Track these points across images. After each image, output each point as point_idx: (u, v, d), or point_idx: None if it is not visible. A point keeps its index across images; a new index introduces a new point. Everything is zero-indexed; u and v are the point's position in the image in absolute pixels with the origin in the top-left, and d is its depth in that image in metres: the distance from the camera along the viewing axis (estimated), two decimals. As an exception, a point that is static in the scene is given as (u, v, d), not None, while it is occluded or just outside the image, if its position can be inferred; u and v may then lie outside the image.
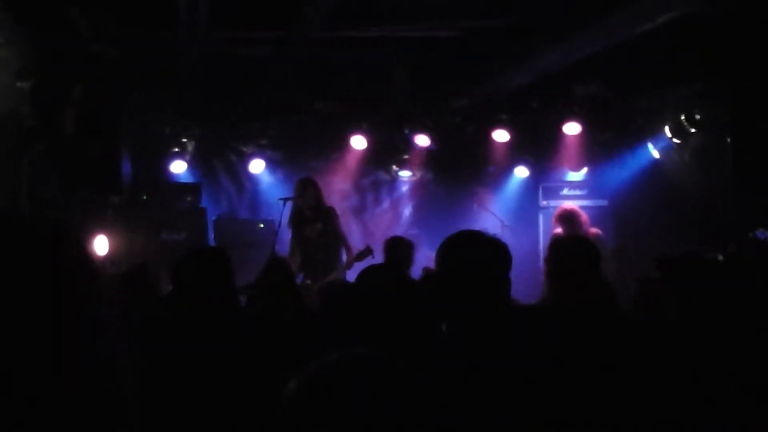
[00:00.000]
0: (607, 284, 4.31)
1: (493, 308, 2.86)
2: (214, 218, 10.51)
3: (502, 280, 2.94)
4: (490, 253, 2.93)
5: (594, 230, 8.45)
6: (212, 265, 4.04)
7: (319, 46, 8.68)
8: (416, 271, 7.53)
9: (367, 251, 8.08)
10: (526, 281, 7.73)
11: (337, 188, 11.15)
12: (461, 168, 11.44)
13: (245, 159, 11.14)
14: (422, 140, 10.81)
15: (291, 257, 8.49)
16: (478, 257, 2.92)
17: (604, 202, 10.56)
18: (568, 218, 8.37)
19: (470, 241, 3.00)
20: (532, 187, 11.11)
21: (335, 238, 8.47)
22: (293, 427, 1.47)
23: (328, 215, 8.49)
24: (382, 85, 10.11)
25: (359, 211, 11.79)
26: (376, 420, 1.44)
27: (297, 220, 8.50)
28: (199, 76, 9.57)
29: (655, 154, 10.35)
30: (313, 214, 8.45)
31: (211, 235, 10.25)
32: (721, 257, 5.69)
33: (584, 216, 8.51)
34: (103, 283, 1.37)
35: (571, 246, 4.19)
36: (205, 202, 10.46)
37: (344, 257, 8.42)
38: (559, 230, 8.45)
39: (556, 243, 4.27)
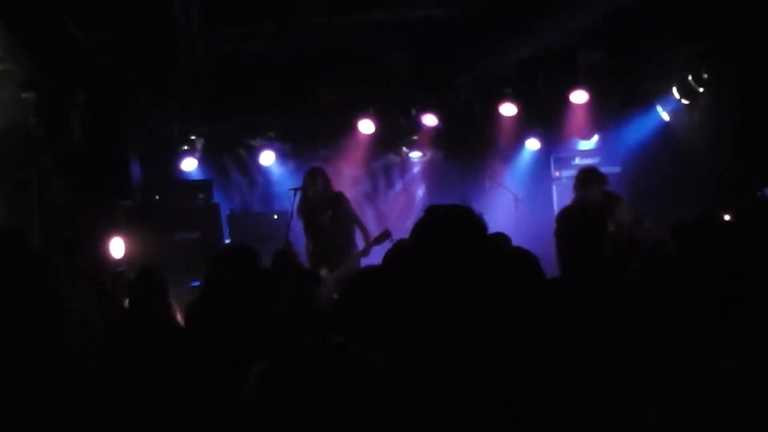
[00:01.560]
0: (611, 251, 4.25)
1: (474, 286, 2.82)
2: (227, 214, 10.53)
3: (477, 254, 2.89)
4: (462, 229, 2.89)
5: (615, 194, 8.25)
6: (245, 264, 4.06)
7: (319, 35, 8.67)
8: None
9: (385, 234, 8.00)
10: (543, 254, 7.69)
11: (349, 175, 11.14)
12: (471, 145, 11.39)
13: (254, 152, 11.15)
14: (430, 120, 10.77)
15: (307, 246, 8.50)
16: (449, 237, 2.87)
17: (617, 169, 10.48)
18: (582, 179, 8.10)
19: (440, 221, 2.96)
20: (543, 158, 11.06)
21: (348, 223, 8.43)
22: (257, 410, 1.47)
23: (338, 201, 8.46)
24: (385, 68, 10.08)
25: (372, 196, 11.78)
26: (337, 408, 1.44)
27: (306, 209, 8.48)
28: (203, 74, 9.58)
29: (665, 117, 10.28)
30: (322, 202, 8.43)
31: (226, 231, 10.27)
32: (730, 216, 5.63)
33: (604, 175, 8.21)
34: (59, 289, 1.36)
35: (571, 217, 4.15)
36: (217, 198, 10.47)
37: (359, 243, 8.40)
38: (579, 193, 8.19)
39: (558, 216, 4.21)
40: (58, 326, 1.29)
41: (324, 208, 8.42)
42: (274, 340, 3.58)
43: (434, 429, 2.33)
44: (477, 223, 2.91)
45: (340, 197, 8.51)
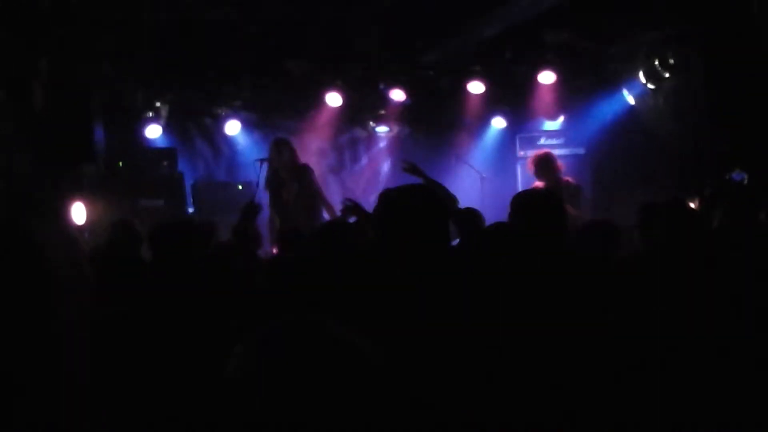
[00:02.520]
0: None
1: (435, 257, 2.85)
2: (191, 183, 10.46)
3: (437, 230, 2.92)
4: (420, 206, 2.92)
5: (568, 178, 8.43)
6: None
7: (287, 4, 8.60)
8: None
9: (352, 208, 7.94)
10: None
11: (315, 147, 11.12)
12: (438, 121, 11.42)
13: (220, 121, 11.08)
14: (397, 95, 10.75)
15: (270, 223, 8.44)
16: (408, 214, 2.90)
17: (581, 150, 10.60)
18: (542, 163, 8.34)
19: (399, 198, 2.98)
20: (509, 138, 11.13)
21: (313, 196, 8.38)
22: (237, 390, 1.49)
23: (304, 174, 8.41)
24: (352, 40, 10.03)
25: (337, 169, 11.78)
26: (317, 386, 1.46)
27: (274, 182, 8.43)
28: (168, 41, 9.45)
29: (631, 100, 10.37)
30: (289, 175, 8.38)
31: (190, 200, 10.20)
32: (696, 201, 5.72)
33: (559, 163, 8.47)
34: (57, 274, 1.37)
35: (527, 198, 4.16)
36: (182, 167, 10.39)
37: (325, 217, 8.37)
38: (536, 178, 8.44)
39: (514, 199, 4.22)
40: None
41: (290, 181, 8.38)
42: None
43: (416, 406, 2.36)
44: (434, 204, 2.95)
45: (306, 169, 8.46)
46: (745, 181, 7.30)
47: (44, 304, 1.29)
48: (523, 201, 3.98)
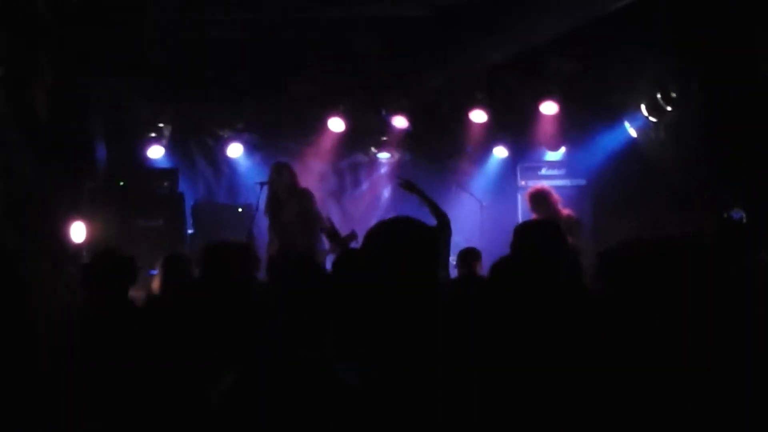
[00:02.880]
0: (575, 266, 4.28)
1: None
2: (192, 203, 10.45)
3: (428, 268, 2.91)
4: (410, 245, 2.91)
5: (567, 211, 8.45)
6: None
7: (292, 28, 8.64)
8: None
9: (352, 236, 7.92)
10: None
11: (316, 170, 11.12)
12: (439, 149, 11.43)
13: (222, 143, 11.10)
14: (400, 122, 10.78)
15: (270, 245, 8.40)
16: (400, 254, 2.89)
17: (582, 182, 10.59)
18: (538, 198, 8.40)
19: (389, 237, 2.97)
20: (510, 167, 11.12)
21: (312, 219, 8.36)
22: (226, 422, 1.48)
23: (304, 196, 8.39)
24: (357, 65, 10.07)
25: (338, 193, 11.77)
26: (304, 421, 1.45)
27: (273, 205, 8.41)
28: (173, 60, 9.49)
29: (632, 133, 10.37)
30: (288, 197, 8.37)
31: (190, 221, 10.19)
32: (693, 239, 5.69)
33: (556, 196, 8.52)
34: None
35: (531, 231, 4.18)
36: (182, 187, 10.39)
37: (324, 242, 8.35)
38: (532, 212, 8.46)
39: (517, 229, 4.24)
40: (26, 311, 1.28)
41: (289, 203, 8.36)
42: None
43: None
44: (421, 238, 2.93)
45: (306, 193, 8.45)
46: (744, 220, 7.29)
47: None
48: (524, 231, 3.99)
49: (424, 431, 2.41)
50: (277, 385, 1.52)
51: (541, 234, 4.07)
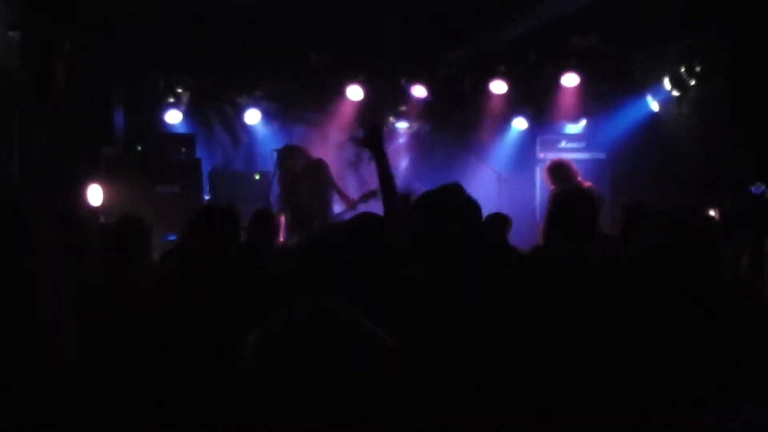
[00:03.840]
0: (606, 238, 4.27)
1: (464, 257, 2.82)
2: (208, 170, 10.45)
3: (470, 237, 2.89)
4: (457, 213, 2.89)
5: (587, 183, 8.37)
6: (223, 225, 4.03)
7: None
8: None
9: (372, 193, 7.86)
10: (522, 233, 7.72)
11: (333, 140, 11.07)
12: (458, 120, 11.36)
13: (240, 110, 11.07)
14: (419, 91, 10.72)
15: (282, 213, 8.36)
16: (446, 217, 2.87)
17: (602, 155, 10.50)
18: (557, 170, 8.30)
19: (440, 200, 2.95)
20: (529, 139, 11.05)
21: (327, 189, 8.34)
22: (254, 375, 1.46)
23: (318, 169, 8.37)
24: (377, 35, 10.01)
25: (355, 163, 11.71)
26: (334, 372, 1.43)
27: (283, 180, 8.38)
28: (192, 27, 9.46)
29: (654, 107, 10.27)
30: (298, 172, 8.34)
31: (206, 187, 10.19)
32: (717, 212, 5.64)
33: (574, 168, 8.43)
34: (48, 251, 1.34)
35: (571, 200, 4.13)
36: (200, 154, 10.37)
37: (336, 209, 8.33)
38: (551, 185, 8.38)
39: (556, 198, 4.21)
40: (33, 272, 1.27)
41: (305, 176, 8.33)
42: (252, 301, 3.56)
43: (429, 397, 2.34)
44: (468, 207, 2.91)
45: (320, 164, 8.42)
46: (766, 195, 7.20)
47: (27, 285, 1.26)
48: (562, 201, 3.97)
49: (454, 393, 2.40)
50: (304, 335, 1.49)
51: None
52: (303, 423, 1.44)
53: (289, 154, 8.42)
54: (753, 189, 6.91)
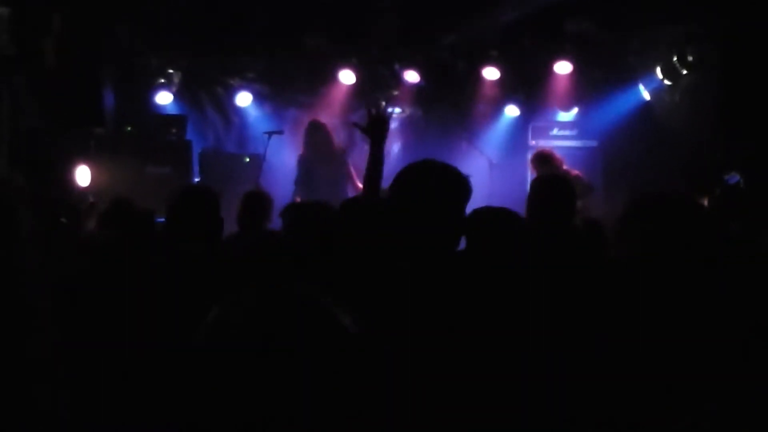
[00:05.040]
0: (592, 223, 4.28)
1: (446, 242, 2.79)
2: (199, 151, 10.41)
3: (456, 213, 2.86)
4: (445, 184, 2.86)
5: (575, 172, 8.42)
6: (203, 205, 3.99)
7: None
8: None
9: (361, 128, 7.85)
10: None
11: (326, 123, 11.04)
12: (451, 105, 11.33)
13: (232, 92, 11.02)
14: (411, 76, 10.69)
15: (296, 194, 8.33)
16: (432, 189, 2.84)
17: (593, 143, 10.51)
18: (542, 160, 8.38)
19: (426, 172, 2.92)
20: (521, 126, 11.04)
21: (345, 177, 8.38)
22: (209, 357, 1.44)
23: (342, 155, 8.43)
24: (370, 19, 9.96)
25: (347, 147, 11.69)
26: (291, 357, 1.41)
27: (309, 160, 8.38)
28: (185, 8, 9.40)
29: (646, 96, 10.27)
30: (326, 155, 8.36)
31: (197, 169, 10.15)
32: (706, 200, 5.64)
33: (559, 157, 8.49)
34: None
35: (546, 185, 4.18)
36: (191, 135, 10.33)
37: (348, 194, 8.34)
38: (536, 173, 8.45)
39: (533, 184, 4.29)
40: (15, 253, 1.25)
41: (329, 161, 8.35)
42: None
43: (393, 384, 2.31)
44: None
45: (344, 150, 8.49)
46: (741, 184, 7.22)
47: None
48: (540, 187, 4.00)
49: (416, 386, 2.38)
50: (265, 316, 1.47)
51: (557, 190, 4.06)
52: (253, 404, 1.43)
53: (316, 129, 8.42)
54: (728, 178, 6.92)
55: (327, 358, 1.44)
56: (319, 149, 8.38)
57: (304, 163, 8.41)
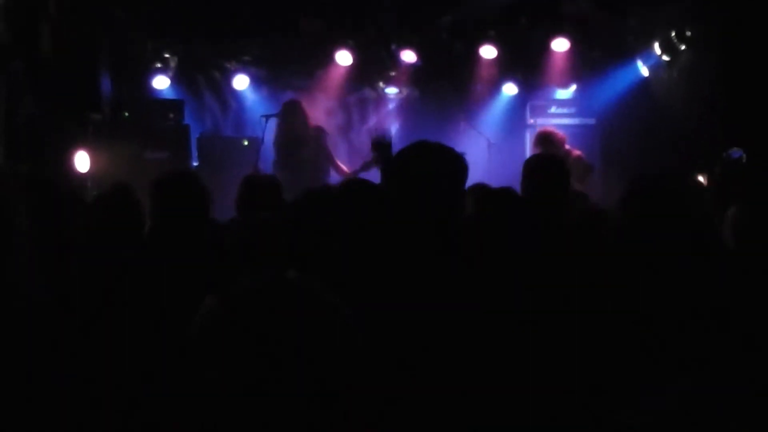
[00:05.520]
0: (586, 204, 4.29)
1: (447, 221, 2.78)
2: (197, 136, 10.39)
3: (456, 192, 2.86)
4: (442, 164, 2.85)
5: (576, 152, 8.41)
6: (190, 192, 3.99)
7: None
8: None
9: (367, 165, 7.75)
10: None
11: (323, 106, 11.02)
12: (448, 85, 11.31)
13: (229, 76, 10.99)
14: (409, 56, 10.65)
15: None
16: (431, 170, 2.83)
17: (591, 121, 10.50)
18: (544, 140, 8.35)
19: (422, 153, 2.92)
20: (519, 104, 11.03)
21: (326, 158, 8.29)
22: (204, 345, 1.45)
23: (319, 135, 8.30)
24: (366, 0, 9.93)
25: (345, 129, 11.68)
26: (288, 343, 1.42)
27: (284, 142, 8.30)
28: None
29: (644, 72, 10.25)
30: (303, 135, 8.26)
31: (195, 153, 10.14)
32: (705, 177, 5.65)
33: (561, 136, 8.45)
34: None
35: (538, 165, 4.20)
36: (188, 120, 10.31)
37: (330, 177, 8.29)
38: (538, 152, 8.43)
39: (526, 164, 4.32)
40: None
41: (304, 143, 8.25)
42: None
43: (386, 371, 2.30)
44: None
45: (321, 132, 8.37)
46: (744, 159, 7.21)
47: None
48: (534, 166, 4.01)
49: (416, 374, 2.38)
50: (256, 304, 1.48)
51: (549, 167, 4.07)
52: (252, 390, 1.44)
53: (291, 110, 8.29)
54: (732, 153, 6.91)
55: (325, 348, 1.45)
56: (294, 131, 8.26)
57: (280, 146, 8.31)
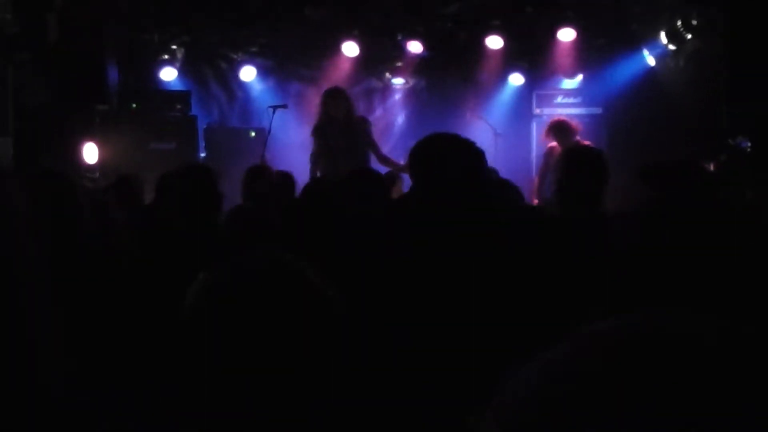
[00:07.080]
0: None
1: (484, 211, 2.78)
2: (204, 127, 10.41)
3: (481, 179, 2.86)
4: (465, 155, 2.85)
5: (585, 142, 8.38)
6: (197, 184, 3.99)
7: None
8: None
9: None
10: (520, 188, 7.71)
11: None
12: (454, 76, 11.31)
13: (236, 66, 11.00)
14: (415, 47, 10.65)
15: (314, 167, 8.02)
16: (456, 161, 2.83)
17: (598, 110, 10.48)
18: (560, 129, 8.31)
19: (445, 146, 2.92)
20: (526, 94, 11.01)
21: (367, 150, 8.00)
22: (195, 323, 1.46)
23: (363, 125, 8.04)
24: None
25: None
26: (275, 325, 1.43)
27: (324, 130, 7.97)
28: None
29: (651, 61, 10.23)
30: (345, 125, 7.98)
31: (202, 144, 10.17)
32: (712, 166, 5.65)
33: (575, 126, 8.42)
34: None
35: (585, 157, 4.13)
36: (195, 111, 10.34)
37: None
38: (552, 143, 8.40)
39: (568, 152, 4.20)
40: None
41: (346, 130, 7.95)
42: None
43: (377, 356, 2.31)
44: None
45: (364, 121, 8.11)
46: (749, 149, 7.21)
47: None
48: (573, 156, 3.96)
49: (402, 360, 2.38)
50: (243, 283, 1.49)
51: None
52: (239, 371, 1.46)
53: (332, 97, 8.02)
54: (740, 142, 6.90)
55: (306, 324, 1.47)
56: (337, 118, 7.96)
57: (321, 134, 8.06)
